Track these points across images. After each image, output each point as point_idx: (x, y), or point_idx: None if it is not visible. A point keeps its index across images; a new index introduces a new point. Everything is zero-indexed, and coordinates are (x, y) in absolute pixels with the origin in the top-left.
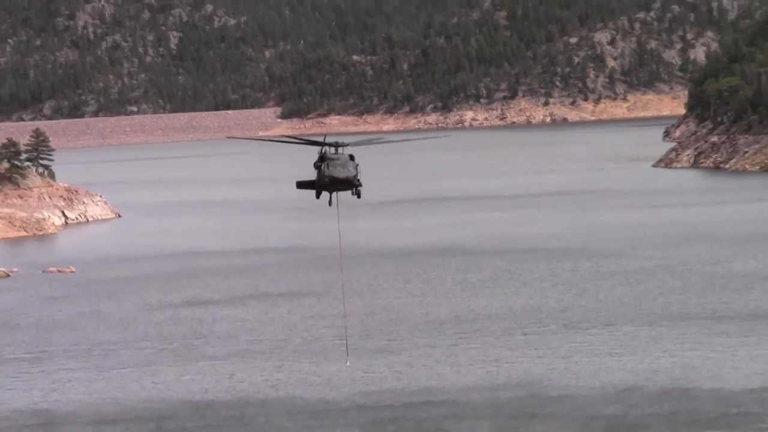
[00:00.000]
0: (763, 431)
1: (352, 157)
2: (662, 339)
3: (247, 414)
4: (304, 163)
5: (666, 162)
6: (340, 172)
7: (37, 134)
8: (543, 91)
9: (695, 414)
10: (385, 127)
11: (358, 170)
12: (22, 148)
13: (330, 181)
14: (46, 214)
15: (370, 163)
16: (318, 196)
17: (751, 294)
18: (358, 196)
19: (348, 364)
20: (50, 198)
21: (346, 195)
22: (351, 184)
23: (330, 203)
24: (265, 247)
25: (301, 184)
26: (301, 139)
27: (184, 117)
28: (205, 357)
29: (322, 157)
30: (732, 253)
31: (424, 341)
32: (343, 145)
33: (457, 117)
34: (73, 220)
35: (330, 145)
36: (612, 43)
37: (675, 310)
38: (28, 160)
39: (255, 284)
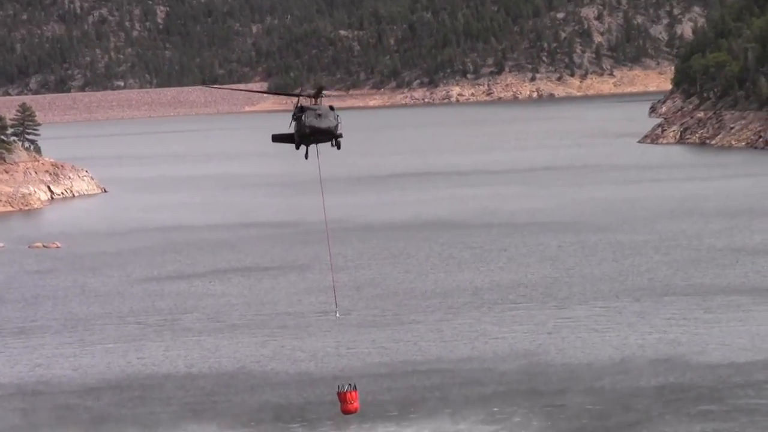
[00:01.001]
0: (749, 405)
1: (331, 108)
2: (649, 314)
3: (232, 389)
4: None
5: (652, 138)
6: (321, 122)
7: (24, 109)
8: (530, 66)
9: (682, 389)
10: (372, 103)
11: (339, 120)
12: (8, 122)
13: (311, 131)
14: (32, 189)
15: (357, 138)
16: (297, 147)
17: (737, 269)
18: (338, 147)
19: (338, 315)
20: (36, 173)
21: (325, 147)
22: (332, 134)
23: (306, 156)
24: (252, 222)
25: (277, 138)
26: (281, 92)
27: (170, 92)
28: (191, 332)
29: (302, 108)
30: (718, 228)
31: (411, 317)
32: (321, 95)
33: (444, 92)
34: (59, 195)
35: (308, 96)
36: (599, 18)
37: (661, 285)
38: (14, 134)
39: (241, 259)
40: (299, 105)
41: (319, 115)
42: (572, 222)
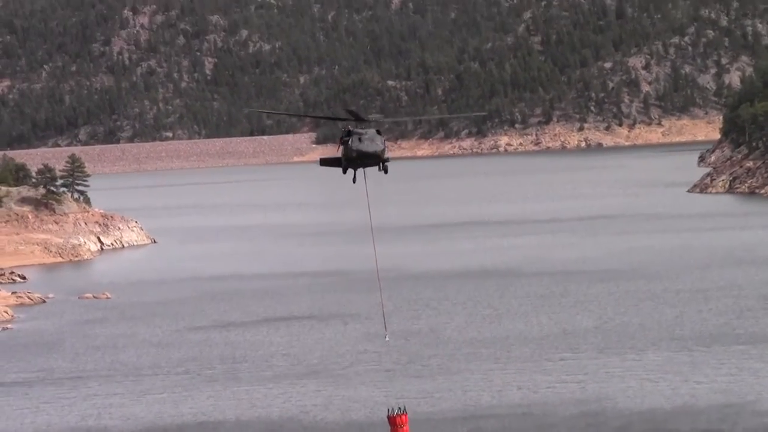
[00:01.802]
0: None
1: (378, 132)
2: (701, 363)
3: None
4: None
5: (701, 187)
6: (368, 147)
7: (73, 160)
8: (577, 116)
9: None
10: (420, 152)
11: (385, 145)
12: (58, 173)
13: (358, 155)
14: (81, 239)
15: (405, 188)
16: (345, 171)
17: None
18: (386, 172)
19: (387, 339)
20: (86, 224)
21: (372, 172)
22: (378, 158)
23: (354, 180)
24: (299, 271)
25: (325, 161)
26: (324, 116)
27: (218, 142)
28: (240, 381)
29: (349, 132)
30: (763, 278)
31: (460, 365)
32: (367, 119)
33: (492, 142)
34: (108, 245)
35: (356, 119)
36: (646, 67)
37: (713, 334)
38: (63, 185)
39: (289, 307)
40: (347, 129)
41: (366, 139)
42: (622, 270)
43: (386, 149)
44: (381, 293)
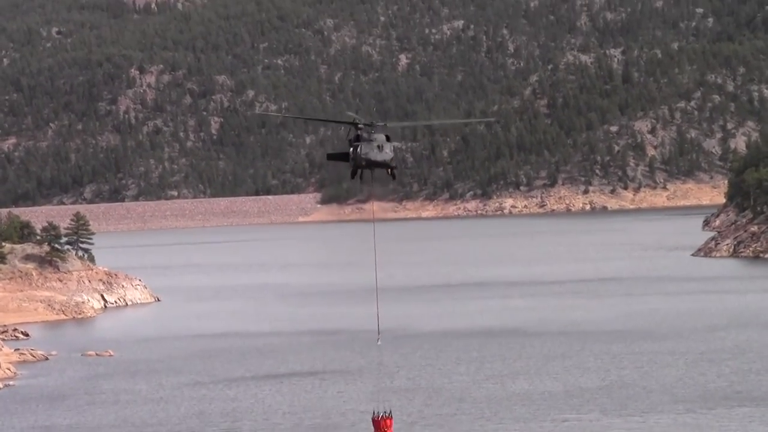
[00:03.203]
0: None
1: (388, 138)
2: (707, 425)
3: None
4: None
5: (705, 251)
6: (377, 155)
7: (78, 218)
8: (583, 179)
9: None
10: (425, 214)
11: (393, 151)
12: (63, 231)
13: (367, 164)
14: (85, 297)
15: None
16: (353, 176)
17: None
18: (393, 178)
19: (379, 343)
20: (90, 281)
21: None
22: (387, 166)
23: (362, 179)
24: (302, 330)
25: (332, 156)
26: (333, 120)
27: (223, 202)
28: None
29: (358, 137)
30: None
31: (465, 426)
32: (376, 125)
33: (497, 204)
34: (112, 303)
35: (364, 125)
36: (652, 131)
37: (718, 396)
38: (68, 243)
39: (291, 365)
40: (356, 134)
41: (376, 147)
42: (626, 332)
43: (394, 156)
44: (377, 298)
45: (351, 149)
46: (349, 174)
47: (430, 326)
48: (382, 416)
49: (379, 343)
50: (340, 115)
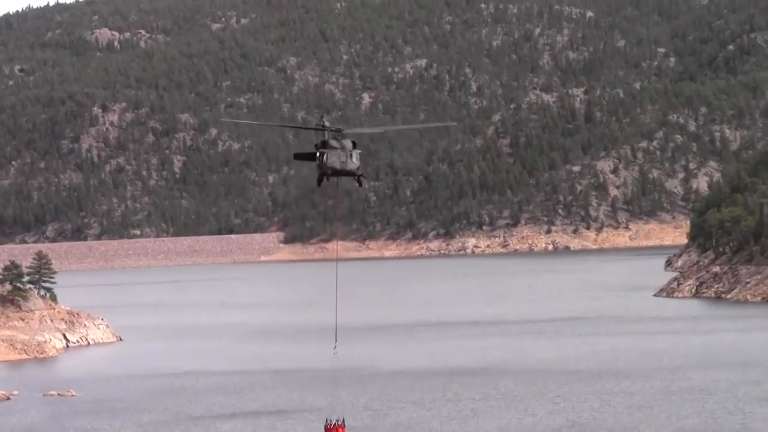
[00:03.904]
0: None
1: (354, 145)
2: None
3: None
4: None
5: (668, 291)
6: (343, 164)
7: (40, 257)
8: (545, 218)
9: None
10: (388, 253)
11: (360, 159)
12: (25, 270)
13: (332, 173)
14: (47, 336)
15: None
16: (319, 183)
17: (759, 419)
18: (360, 185)
19: (336, 352)
20: (52, 321)
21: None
22: (353, 174)
23: (319, 184)
24: (264, 369)
25: (299, 156)
26: (300, 126)
27: (186, 241)
28: None
29: (324, 143)
30: (737, 379)
31: None
32: (342, 131)
33: (460, 244)
34: (74, 343)
35: (330, 129)
36: (615, 171)
37: None
38: (30, 282)
39: (253, 403)
40: (322, 140)
41: (343, 156)
42: (591, 372)
43: (360, 164)
44: (336, 303)
45: (317, 156)
46: (316, 182)
47: (393, 366)
48: (335, 424)
49: (335, 351)
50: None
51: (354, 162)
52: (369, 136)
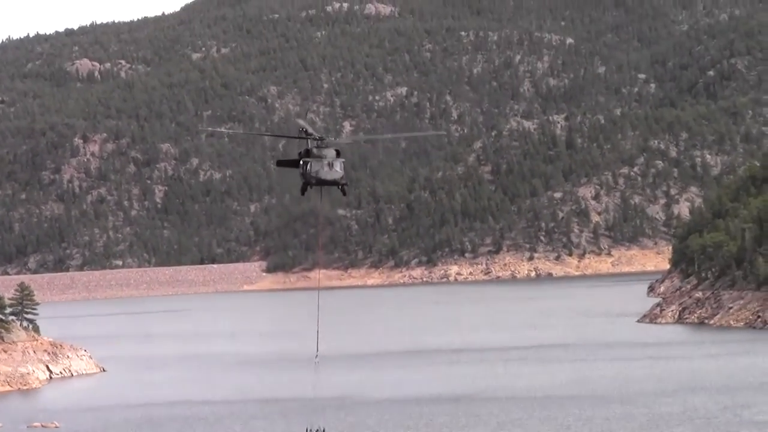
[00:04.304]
0: None
1: (338, 153)
2: None
3: None
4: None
5: (651, 317)
6: (327, 174)
7: (22, 288)
8: (527, 245)
9: None
10: (370, 281)
11: (343, 169)
12: (7, 302)
13: (317, 182)
14: (30, 368)
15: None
16: (303, 192)
17: None
18: (344, 194)
19: (317, 361)
20: (35, 352)
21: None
22: (337, 184)
23: (303, 193)
24: (246, 398)
25: (282, 162)
26: (285, 135)
27: (168, 271)
28: None
29: (308, 152)
30: (721, 402)
31: None
32: (324, 140)
33: (442, 271)
34: (57, 374)
35: (313, 138)
36: (596, 198)
37: None
38: (12, 314)
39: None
40: (305, 148)
41: (327, 165)
42: (575, 397)
43: (344, 175)
44: (318, 312)
45: (301, 165)
46: (300, 190)
47: (376, 394)
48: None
49: (317, 361)
50: (284, 182)
51: (338, 171)
52: (354, 151)
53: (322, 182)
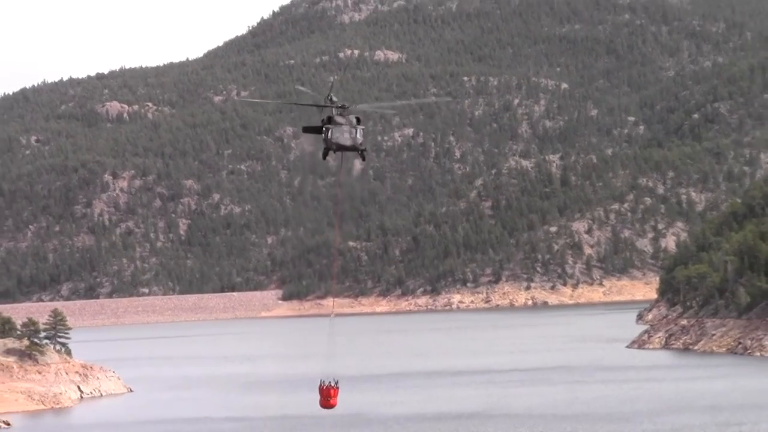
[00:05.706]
0: None
1: (359, 121)
2: None
3: None
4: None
5: (639, 343)
6: (347, 140)
7: (55, 314)
8: (525, 276)
9: None
10: (379, 309)
11: (363, 135)
12: (41, 326)
13: (337, 147)
14: (63, 388)
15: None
16: (324, 157)
17: None
18: (363, 159)
19: (333, 316)
20: (67, 373)
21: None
22: (356, 149)
23: (324, 158)
24: (264, 416)
25: (307, 129)
26: (309, 103)
27: (191, 298)
28: None
29: (330, 119)
30: (704, 421)
31: None
32: (347, 107)
33: (446, 299)
34: (88, 394)
35: (336, 106)
36: (589, 232)
37: None
38: (46, 338)
39: None
40: (327, 116)
41: (346, 131)
42: (570, 417)
43: (364, 140)
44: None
45: (323, 131)
46: (321, 155)
47: (384, 413)
48: (329, 385)
49: (332, 316)
50: (299, 216)
51: (357, 137)
52: (363, 188)
53: (342, 147)
